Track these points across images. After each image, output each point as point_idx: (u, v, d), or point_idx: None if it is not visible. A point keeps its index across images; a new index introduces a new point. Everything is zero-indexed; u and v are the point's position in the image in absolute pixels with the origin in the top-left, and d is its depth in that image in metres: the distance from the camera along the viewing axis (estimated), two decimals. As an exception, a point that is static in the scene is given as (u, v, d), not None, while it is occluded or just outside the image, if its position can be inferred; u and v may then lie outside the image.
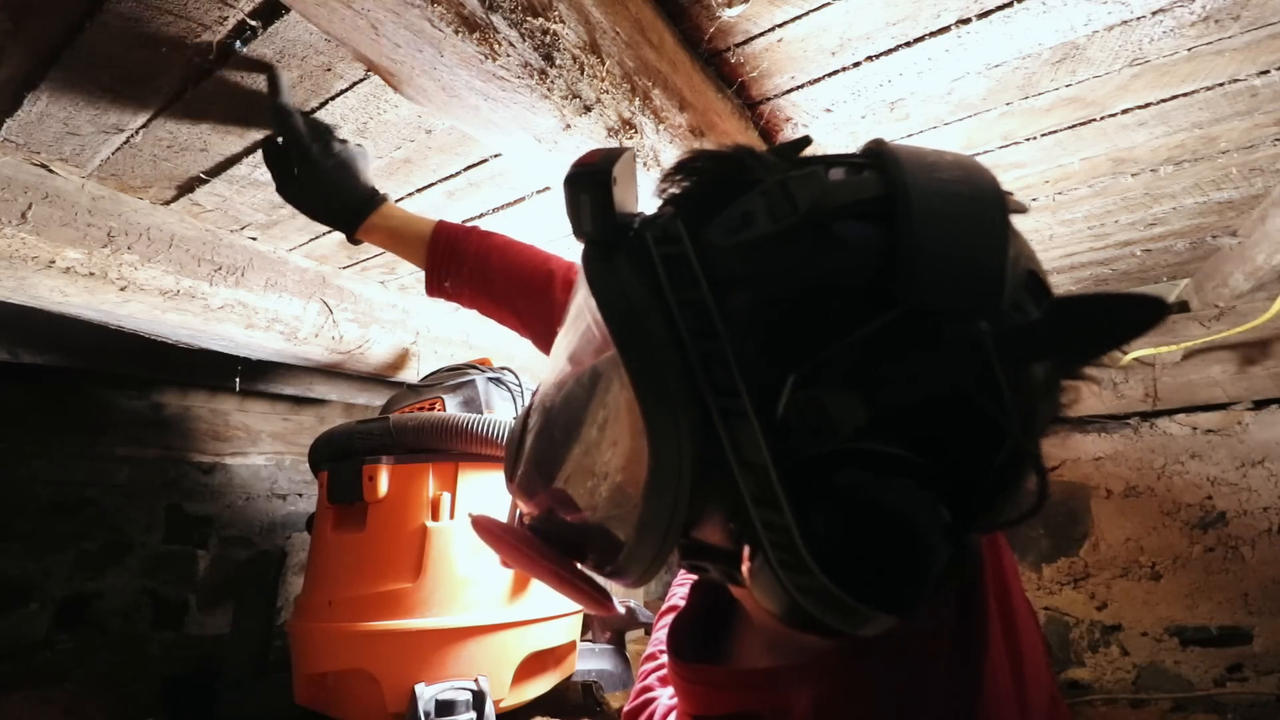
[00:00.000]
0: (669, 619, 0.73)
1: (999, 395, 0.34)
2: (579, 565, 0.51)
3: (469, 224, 1.01)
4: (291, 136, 0.94)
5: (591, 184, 0.42)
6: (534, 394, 0.56)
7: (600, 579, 0.51)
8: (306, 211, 1.00)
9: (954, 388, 0.35)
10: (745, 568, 0.39)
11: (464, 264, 0.95)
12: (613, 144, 0.86)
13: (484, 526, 0.54)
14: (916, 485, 0.34)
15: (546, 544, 0.51)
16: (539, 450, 0.52)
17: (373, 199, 1.00)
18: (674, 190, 0.44)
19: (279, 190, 0.99)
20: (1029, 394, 0.37)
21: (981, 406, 0.34)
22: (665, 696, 0.65)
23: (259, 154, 1.13)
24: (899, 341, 0.35)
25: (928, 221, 0.36)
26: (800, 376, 0.35)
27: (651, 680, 0.68)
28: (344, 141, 0.99)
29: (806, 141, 0.47)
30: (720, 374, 0.37)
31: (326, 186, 0.97)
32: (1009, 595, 0.48)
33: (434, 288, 0.99)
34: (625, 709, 0.67)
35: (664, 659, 0.69)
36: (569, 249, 1.56)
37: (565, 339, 0.52)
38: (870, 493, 0.34)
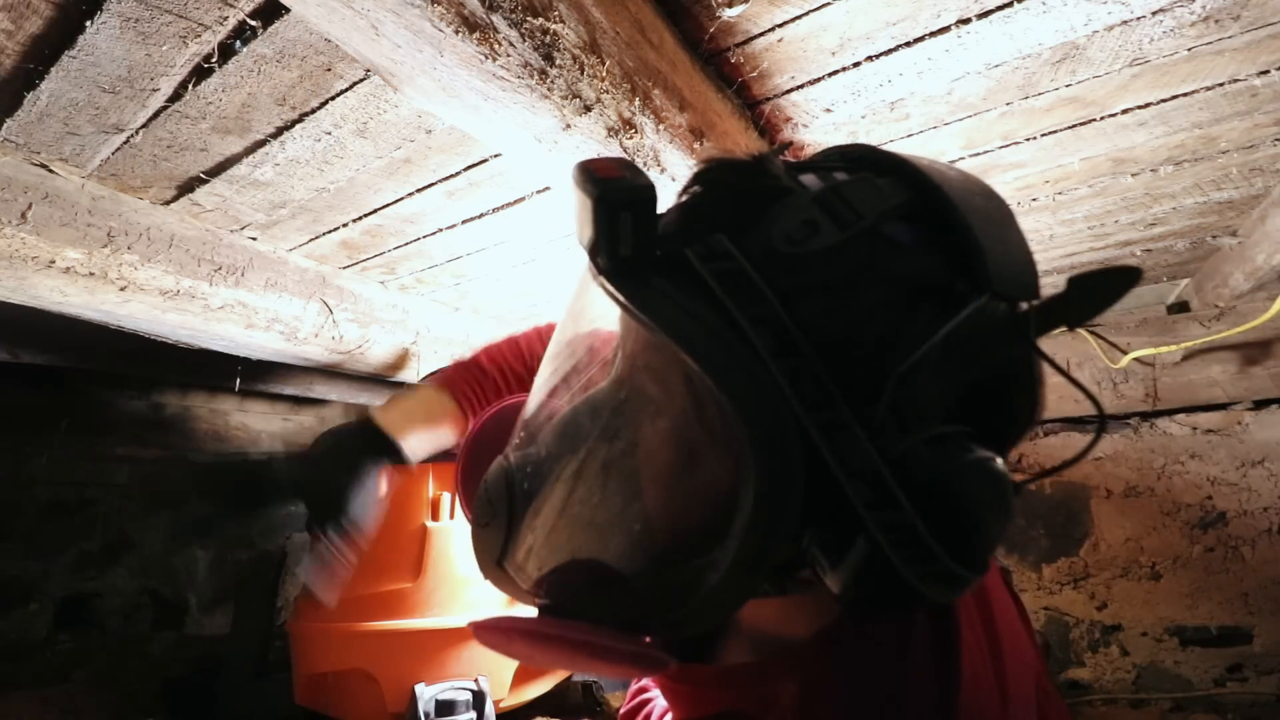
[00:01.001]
0: None
1: (1033, 365, 0.39)
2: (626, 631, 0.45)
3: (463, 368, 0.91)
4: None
5: (638, 202, 0.38)
6: (490, 454, 0.51)
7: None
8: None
9: (1004, 362, 0.39)
10: (834, 575, 0.37)
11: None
12: (613, 144, 0.86)
13: (496, 629, 0.44)
14: (991, 455, 0.37)
15: (587, 619, 0.43)
16: (553, 513, 0.46)
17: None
18: (695, 203, 0.42)
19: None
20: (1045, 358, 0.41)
21: (1020, 376, 0.39)
22: (661, 698, 0.65)
23: (259, 154, 1.13)
24: (975, 329, 0.37)
25: (978, 220, 0.39)
26: (900, 376, 0.36)
27: (648, 681, 0.68)
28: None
29: (786, 147, 0.48)
30: (809, 388, 0.36)
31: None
32: (984, 585, 0.49)
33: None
34: (622, 710, 0.67)
35: None
36: (567, 249, 1.57)
37: (554, 383, 0.50)
38: (967, 470, 0.36)
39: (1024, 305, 0.39)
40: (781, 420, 0.35)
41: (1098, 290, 0.39)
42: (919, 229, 0.39)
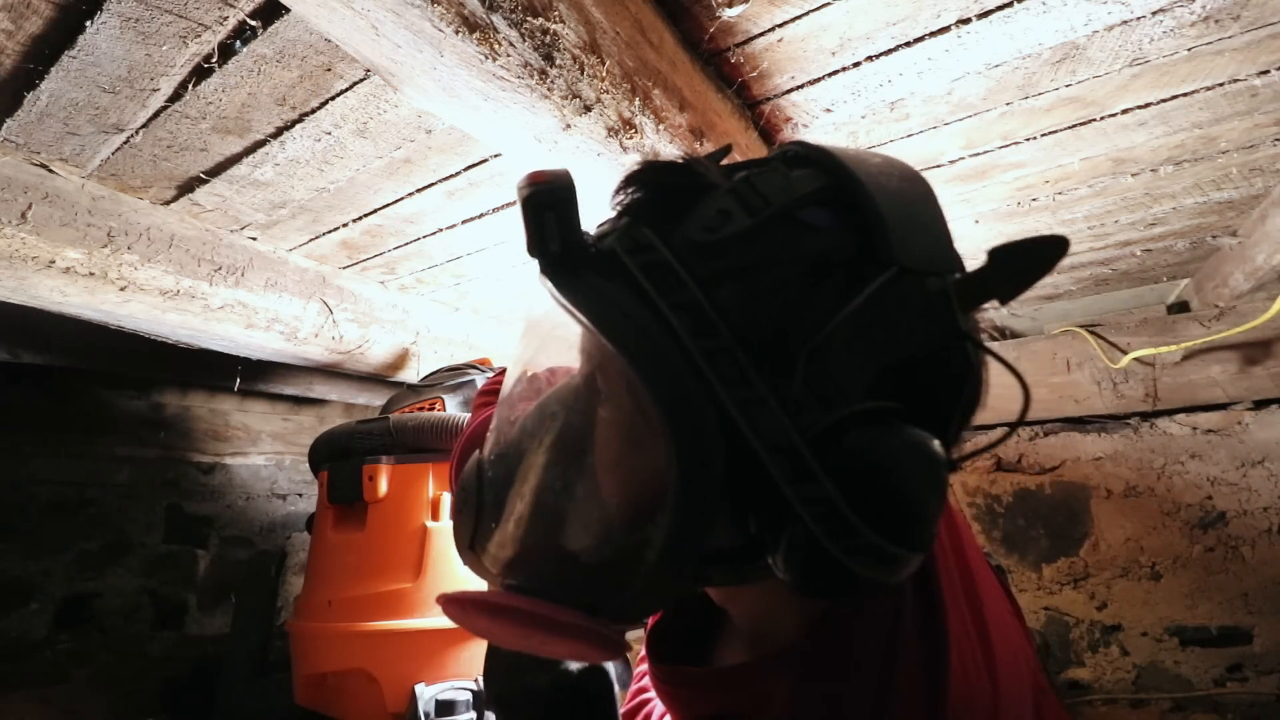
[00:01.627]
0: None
1: (963, 338, 0.39)
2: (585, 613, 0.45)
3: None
4: None
5: (558, 200, 0.41)
6: (474, 450, 0.52)
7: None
8: None
9: (928, 336, 0.39)
10: (774, 557, 0.38)
11: None
12: (613, 144, 0.87)
13: (469, 604, 0.45)
14: (919, 430, 0.37)
15: (546, 598, 0.44)
16: (509, 497, 0.48)
17: None
18: (628, 203, 0.45)
19: None
20: (973, 331, 0.42)
21: (950, 350, 0.39)
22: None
23: (259, 154, 1.13)
24: (887, 304, 0.39)
25: (885, 196, 0.40)
26: (809, 352, 0.37)
27: (647, 681, 0.68)
28: None
29: (727, 150, 0.50)
30: (727, 367, 0.37)
31: None
32: (973, 580, 0.49)
33: None
34: (622, 711, 0.67)
35: None
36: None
37: (518, 380, 0.52)
38: (890, 444, 0.36)
39: (949, 277, 0.40)
40: (695, 397, 0.37)
41: (1024, 262, 0.40)
42: (831, 212, 0.41)
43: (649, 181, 0.45)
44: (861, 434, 0.36)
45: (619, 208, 0.45)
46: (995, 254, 0.40)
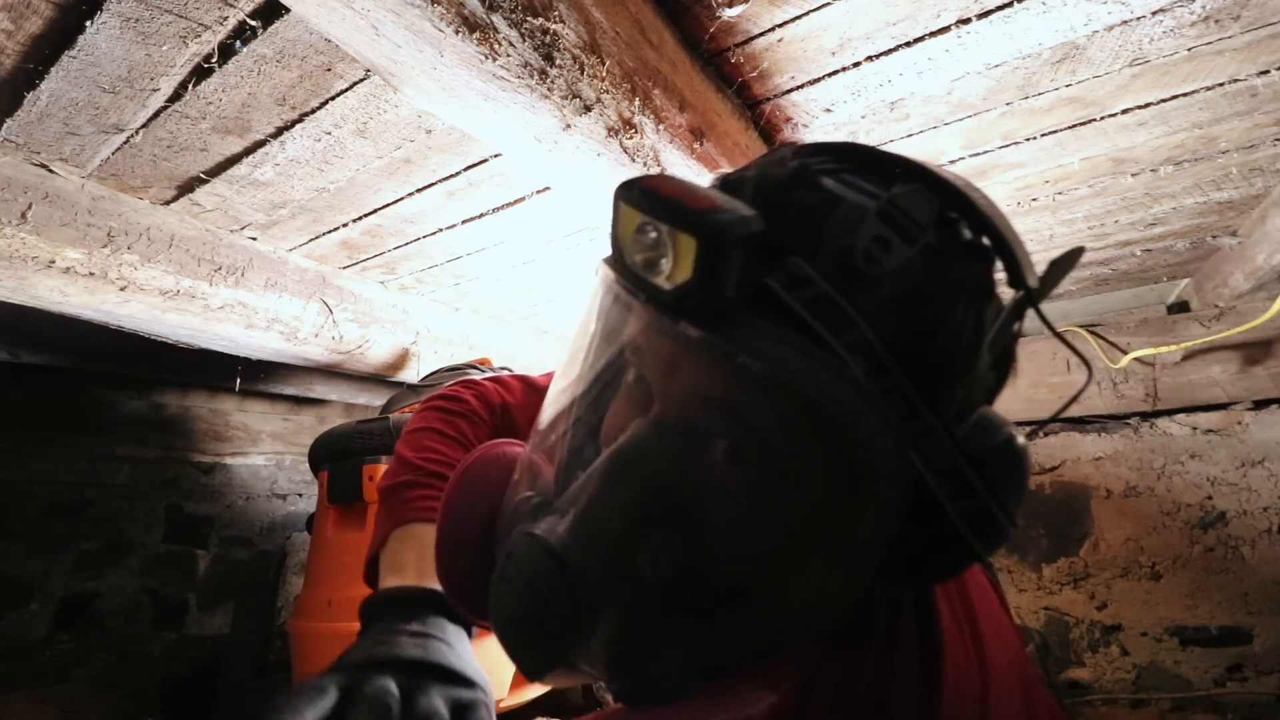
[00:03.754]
0: None
1: (1015, 343, 0.44)
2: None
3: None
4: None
5: (747, 236, 0.35)
6: (522, 527, 0.43)
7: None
8: None
9: (1010, 346, 0.44)
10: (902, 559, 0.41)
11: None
12: (613, 144, 0.86)
13: None
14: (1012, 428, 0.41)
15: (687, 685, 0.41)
16: (627, 591, 0.40)
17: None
18: (756, 227, 0.39)
19: None
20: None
21: (1011, 352, 0.44)
22: None
23: (259, 154, 1.13)
24: (1009, 325, 0.42)
25: (1000, 221, 0.41)
26: (970, 380, 0.40)
27: None
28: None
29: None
30: (900, 403, 0.36)
31: None
32: (963, 584, 0.51)
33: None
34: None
35: None
36: (567, 249, 1.57)
37: (588, 432, 0.46)
38: (1020, 452, 0.40)
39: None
40: (893, 441, 0.37)
41: (1061, 272, 0.43)
42: (960, 235, 0.41)
43: (771, 197, 0.39)
44: (986, 440, 0.39)
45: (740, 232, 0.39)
46: (1054, 264, 0.43)
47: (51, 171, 1.13)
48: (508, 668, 1.39)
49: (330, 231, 1.43)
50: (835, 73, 1.00)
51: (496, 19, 0.67)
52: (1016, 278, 0.41)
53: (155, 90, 0.95)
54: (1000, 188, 1.35)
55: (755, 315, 0.36)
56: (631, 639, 0.42)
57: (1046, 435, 2.07)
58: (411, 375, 1.84)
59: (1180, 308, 2.01)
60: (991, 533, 0.38)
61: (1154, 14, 0.87)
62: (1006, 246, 0.41)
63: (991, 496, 0.38)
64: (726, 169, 0.80)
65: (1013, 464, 0.39)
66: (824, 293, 0.36)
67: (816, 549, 0.41)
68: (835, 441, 0.37)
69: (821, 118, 1.10)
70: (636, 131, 0.87)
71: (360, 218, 1.38)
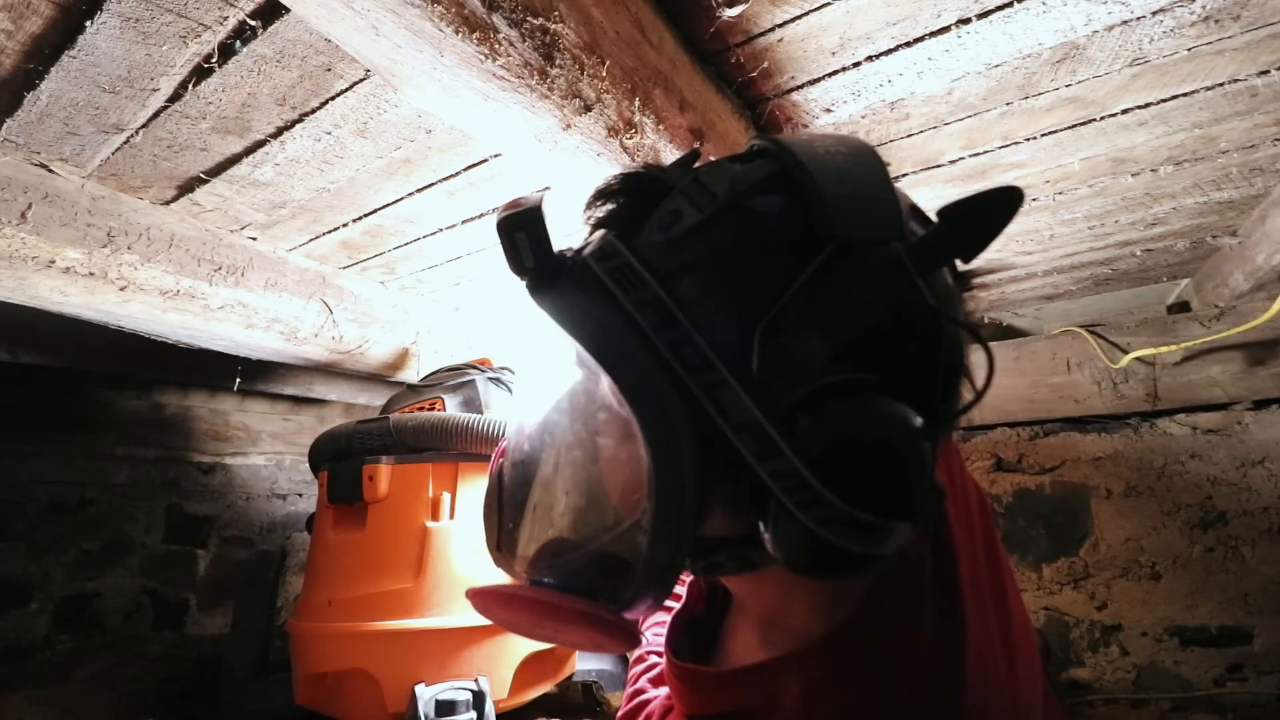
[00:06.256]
0: (655, 624, 0.74)
1: (924, 299, 0.39)
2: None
3: None
4: None
5: (526, 222, 0.44)
6: (501, 459, 0.56)
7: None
8: None
9: (888, 305, 0.40)
10: (765, 537, 0.39)
11: None
12: (613, 144, 0.87)
13: (487, 595, 0.49)
14: (887, 399, 0.37)
15: (565, 590, 0.47)
16: (525, 499, 0.52)
17: None
18: (599, 215, 0.48)
19: None
20: (946, 298, 0.43)
21: (920, 319, 0.39)
22: (661, 696, 0.65)
23: (259, 154, 1.13)
24: (835, 278, 0.40)
25: (825, 174, 0.41)
26: (763, 332, 0.39)
27: (643, 683, 0.68)
28: None
29: (696, 155, 0.52)
30: (691, 355, 0.40)
31: None
32: (1004, 594, 0.49)
33: None
34: (620, 713, 0.67)
35: (652, 660, 0.69)
36: (569, 249, 1.57)
37: (530, 391, 0.55)
38: (854, 414, 0.37)
39: (896, 244, 0.40)
40: (657, 383, 0.40)
41: (979, 217, 0.40)
42: (779, 196, 0.43)
43: (614, 192, 0.48)
44: (828, 406, 0.37)
45: (591, 221, 0.49)
46: (944, 212, 0.40)
47: (51, 171, 1.13)
48: (508, 668, 1.40)
49: (330, 231, 1.44)
50: (835, 73, 1.00)
51: (497, 19, 0.67)
52: (825, 224, 0.40)
53: (155, 90, 0.95)
54: (1000, 188, 1.35)
55: (576, 286, 0.44)
56: (532, 529, 0.52)
57: (1047, 435, 2.07)
58: (411, 375, 1.84)
59: (1180, 308, 2.01)
60: (812, 501, 0.35)
61: (1154, 14, 0.87)
62: (816, 198, 0.40)
63: (801, 457, 0.36)
64: None
65: (856, 433, 0.36)
66: (625, 261, 0.43)
67: (634, 482, 0.44)
68: (610, 381, 0.42)
69: (822, 118, 1.10)
70: (637, 131, 0.87)
71: (360, 218, 1.38)
